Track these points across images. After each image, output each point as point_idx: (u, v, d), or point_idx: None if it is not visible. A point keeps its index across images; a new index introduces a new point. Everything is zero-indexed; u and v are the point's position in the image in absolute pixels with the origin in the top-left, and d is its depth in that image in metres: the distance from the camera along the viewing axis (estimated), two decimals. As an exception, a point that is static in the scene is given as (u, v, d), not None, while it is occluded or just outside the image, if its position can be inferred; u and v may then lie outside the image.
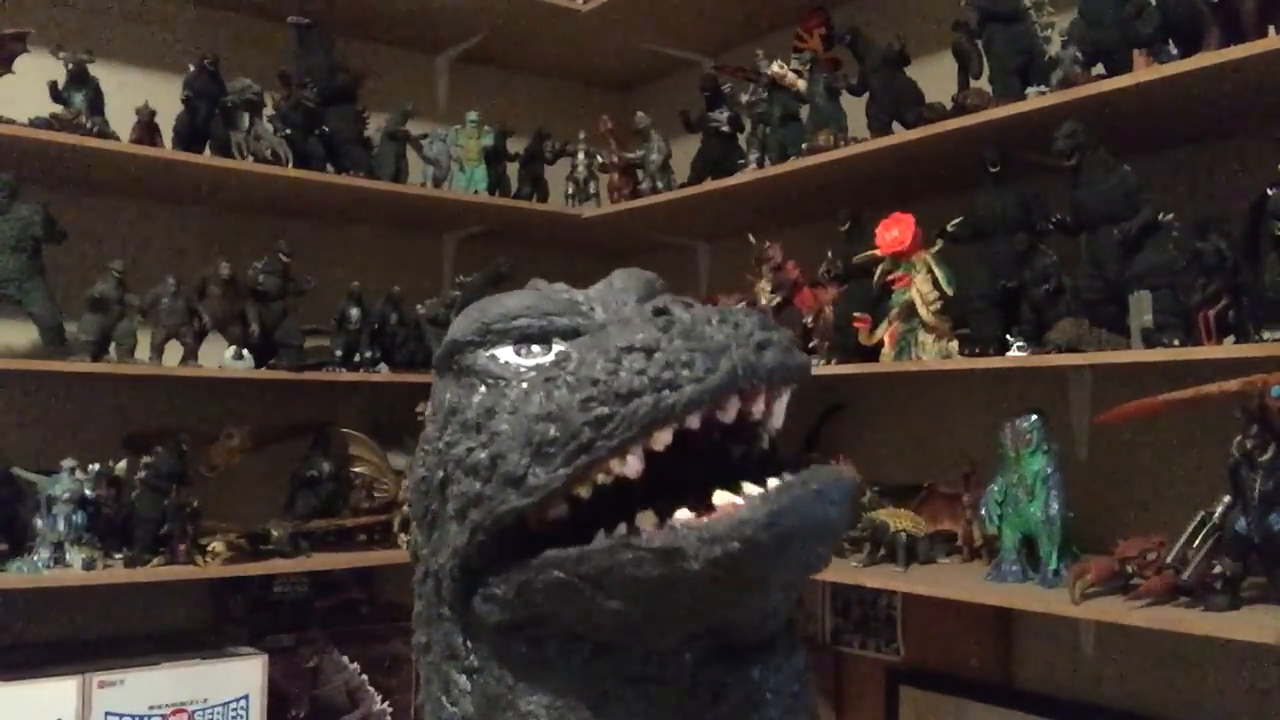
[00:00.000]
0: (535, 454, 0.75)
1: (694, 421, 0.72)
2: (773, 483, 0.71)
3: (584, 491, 0.75)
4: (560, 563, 0.75)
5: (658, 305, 0.77)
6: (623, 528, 0.73)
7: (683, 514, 0.71)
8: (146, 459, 2.13)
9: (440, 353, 0.89)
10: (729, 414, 0.72)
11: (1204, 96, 1.70)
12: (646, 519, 0.73)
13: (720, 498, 0.71)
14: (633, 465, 0.72)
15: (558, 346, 0.84)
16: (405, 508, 1.00)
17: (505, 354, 0.84)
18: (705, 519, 0.70)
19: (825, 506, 0.70)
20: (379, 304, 2.48)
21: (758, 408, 0.74)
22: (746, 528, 0.68)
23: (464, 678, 0.83)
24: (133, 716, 2.03)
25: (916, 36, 2.20)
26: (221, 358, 2.29)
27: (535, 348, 0.84)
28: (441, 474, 0.83)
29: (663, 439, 0.72)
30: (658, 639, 0.77)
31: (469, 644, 0.84)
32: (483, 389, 0.82)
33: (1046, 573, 1.74)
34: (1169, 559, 1.61)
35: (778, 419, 0.77)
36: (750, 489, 0.71)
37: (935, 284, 1.97)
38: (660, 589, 0.72)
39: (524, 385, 0.80)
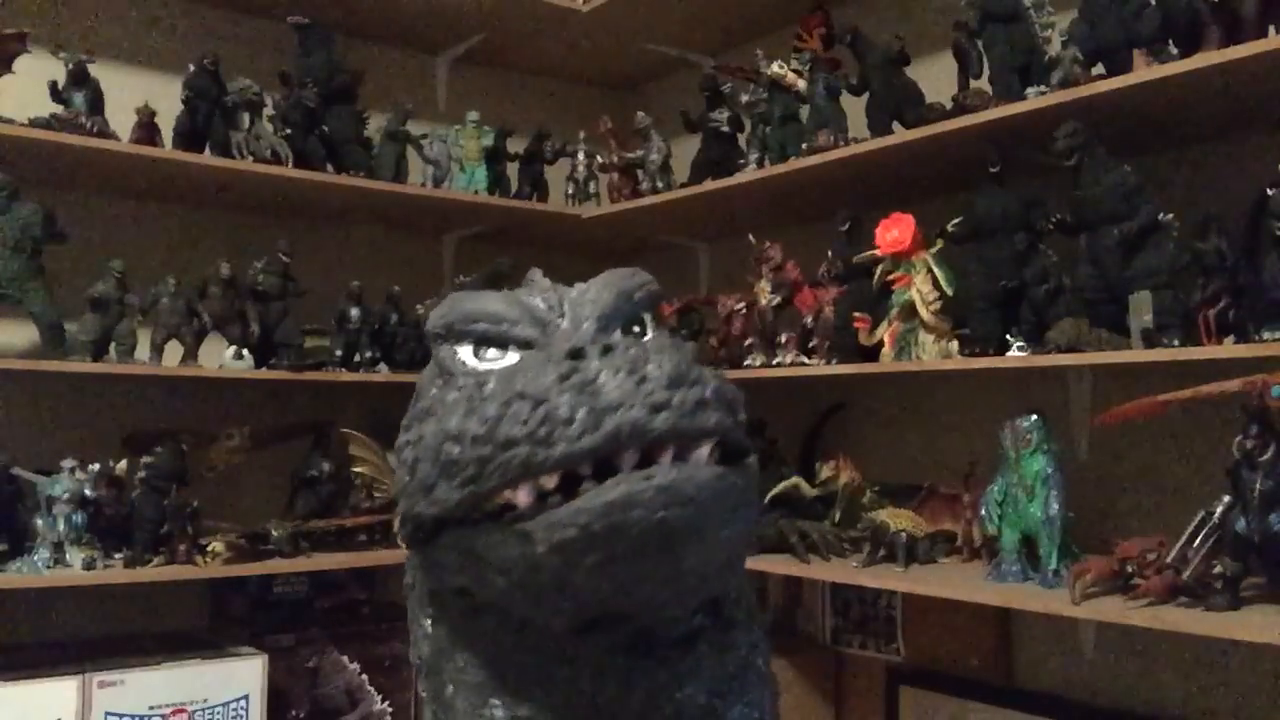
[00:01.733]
0: (442, 471, 0.77)
1: (586, 469, 0.71)
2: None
3: (490, 506, 0.76)
4: (455, 541, 0.79)
5: (576, 346, 0.75)
6: (496, 520, 0.76)
7: (554, 499, 0.72)
8: (146, 459, 2.13)
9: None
10: (626, 464, 0.71)
11: (1204, 96, 1.70)
12: (520, 497, 0.74)
13: (585, 486, 0.72)
14: (522, 498, 0.73)
15: (512, 354, 0.86)
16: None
17: (464, 352, 0.87)
18: (557, 507, 0.71)
19: (671, 506, 0.69)
20: (379, 304, 2.48)
21: (665, 459, 0.71)
22: (582, 516, 0.69)
23: (428, 623, 0.89)
24: (133, 716, 2.03)
25: (916, 36, 2.20)
26: (221, 358, 2.29)
27: (492, 351, 0.86)
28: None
29: (550, 481, 0.72)
30: (548, 617, 0.78)
31: (429, 596, 0.89)
32: (437, 383, 0.87)
33: (1046, 573, 1.74)
34: (1169, 559, 1.61)
35: (700, 465, 0.73)
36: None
37: (935, 284, 1.97)
38: (526, 569, 0.74)
39: (456, 394, 0.81)
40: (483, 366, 0.85)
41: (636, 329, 0.90)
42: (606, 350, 0.73)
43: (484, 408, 0.75)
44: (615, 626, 0.79)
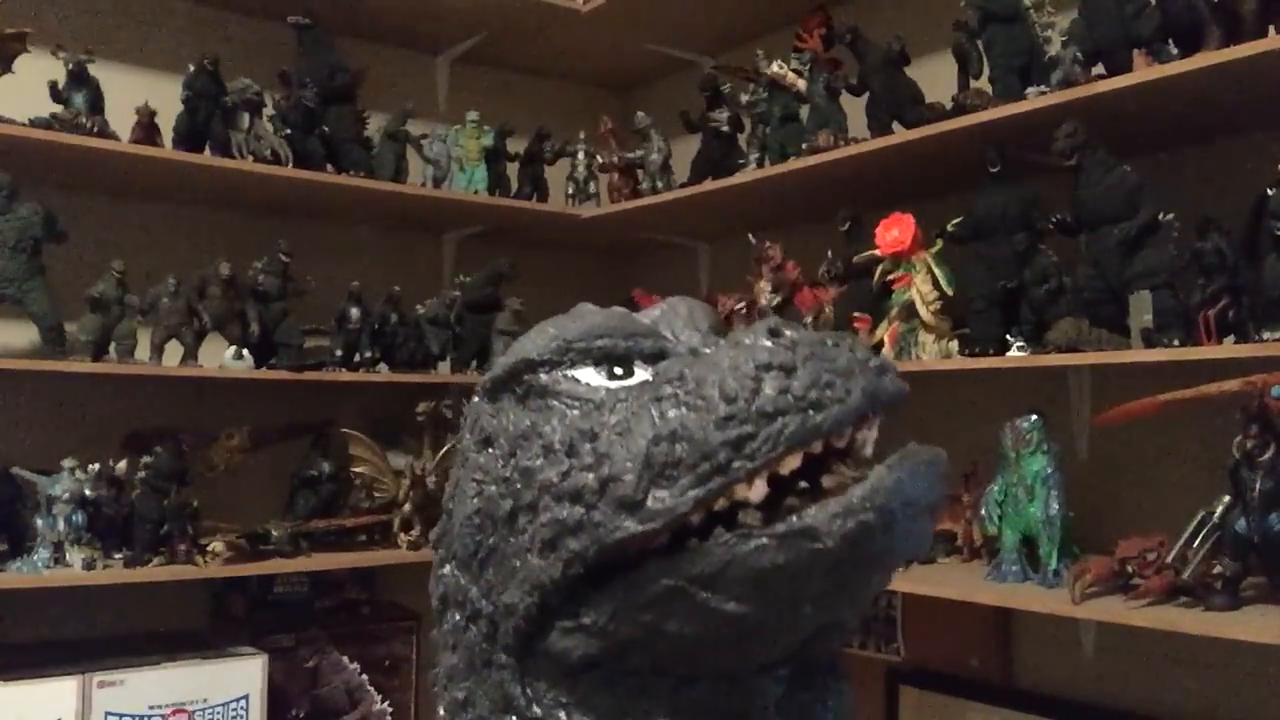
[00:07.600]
0: (656, 476, 0.70)
1: (817, 445, 0.69)
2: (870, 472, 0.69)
3: (697, 518, 0.70)
4: (669, 570, 0.70)
5: (771, 326, 0.72)
6: (720, 531, 0.69)
7: (792, 501, 0.69)
8: (146, 459, 2.14)
9: (500, 373, 0.82)
10: (844, 440, 0.70)
11: (1204, 96, 1.70)
12: (751, 515, 0.69)
13: (830, 480, 0.69)
14: (759, 490, 0.68)
15: (640, 371, 0.79)
16: (433, 551, 0.91)
17: (588, 375, 0.78)
18: (826, 501, 0.68)
19: (936, 477, 0.70)
20: (379, 304, 2.48)
21: (865, 434, 0.71)
22: (879, 496, 0.66)
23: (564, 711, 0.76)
24: (133, 716, 2.03)
25: (916, 36, 2.19)
26: (221, 358, 2.29)
27: (618, 369, 0.79)
28: (511, 504, 0.76)
29: (791, 463, 0.68)
30: (765, 647, 0.74)
31: (528, 692, 0.77)
32: (570, 411, 0.77)
33: (1046, 573, 1.74)
34: (1169, 559, 1.61)
35: (870, 447, 0.73)
36: (852, 472, 0.70)
37: (935, 284, 1.97)
38: (784, 579, 0.68)
39: (627, 406, 0.74)
40: (625, 383, 0.77)
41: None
42: (776, 334, 0.71)
43: (716, 393, 0.69)
44: (785, 662, 0.76)
